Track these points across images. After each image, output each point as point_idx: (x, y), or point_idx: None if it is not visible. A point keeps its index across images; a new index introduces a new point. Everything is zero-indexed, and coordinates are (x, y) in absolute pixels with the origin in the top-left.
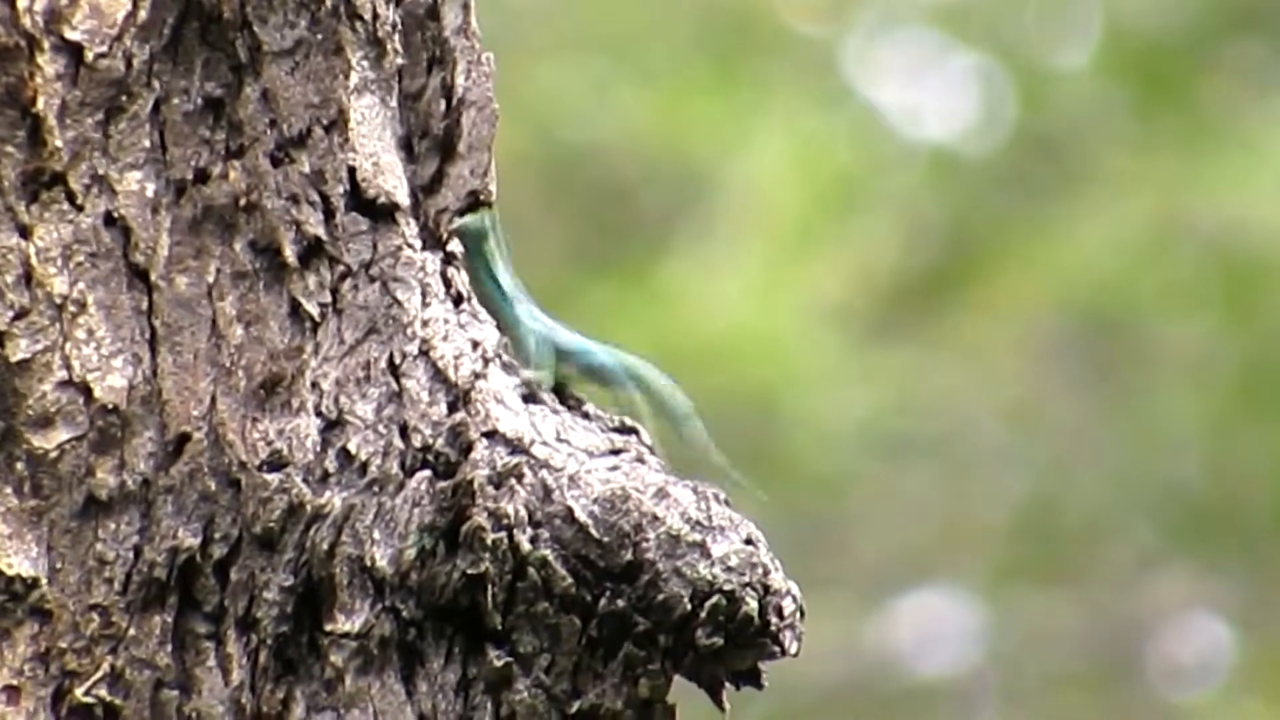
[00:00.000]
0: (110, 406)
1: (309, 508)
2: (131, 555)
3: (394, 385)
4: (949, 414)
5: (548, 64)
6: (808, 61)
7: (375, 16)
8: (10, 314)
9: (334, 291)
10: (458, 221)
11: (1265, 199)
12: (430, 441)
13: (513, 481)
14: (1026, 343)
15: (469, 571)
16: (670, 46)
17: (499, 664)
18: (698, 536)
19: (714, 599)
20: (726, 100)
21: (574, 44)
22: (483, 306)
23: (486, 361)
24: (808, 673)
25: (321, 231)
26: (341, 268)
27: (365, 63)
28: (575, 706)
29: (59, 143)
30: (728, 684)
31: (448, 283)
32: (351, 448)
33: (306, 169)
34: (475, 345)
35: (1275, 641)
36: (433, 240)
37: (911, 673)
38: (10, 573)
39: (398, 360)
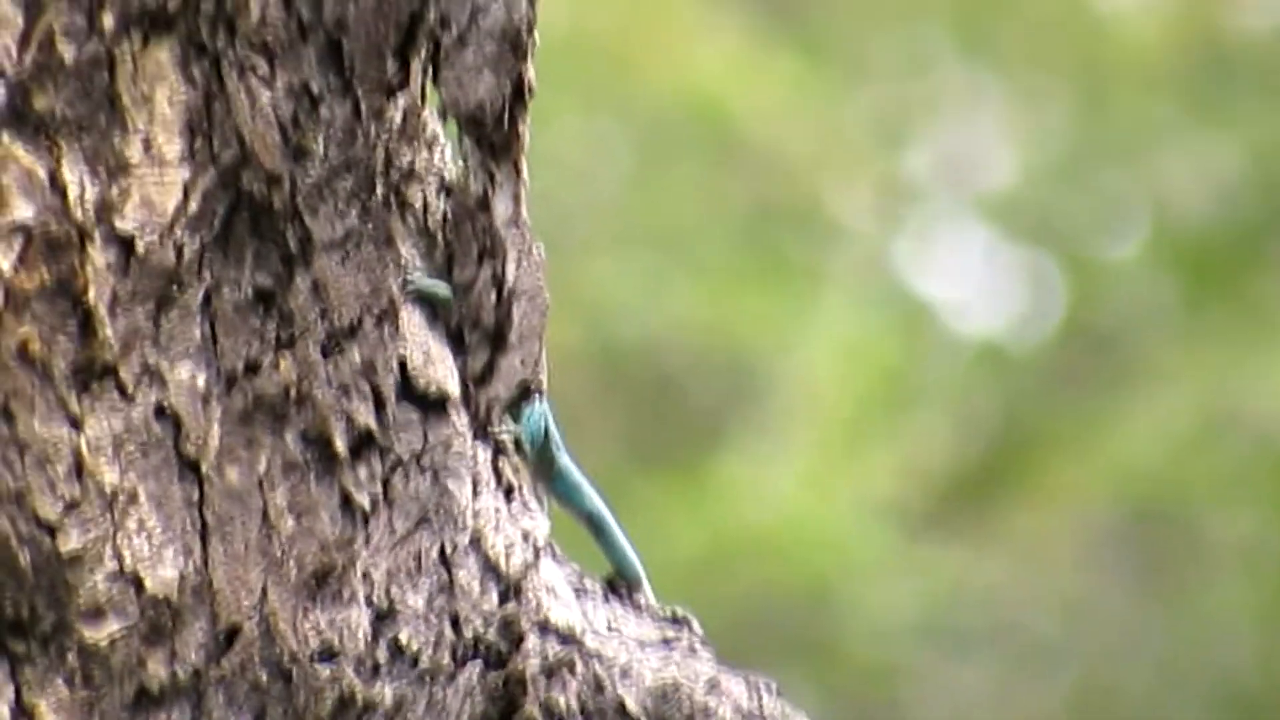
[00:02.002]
0: (161, 598)
1: (360, 699)
2: None
3: (445, 576)
4: (1001, 607)
5: (600, 258)
6: (858, 255)
7: (426, 207)
8: (61, 505)
9: (385, 482)
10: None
11: None
12: (482, 632)
13: (565, 673)
14: (1078, 535)
15: None
16: (721, 241)
17: None
18: None
19: None
20: (778, 294)
21: (626, 238)
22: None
23: (538, 552)
24: None
25: (372, 422)
26: (392, 458)
27: (416, 253)
28: None
29: (109, 333)
30: None
31: (499, 473)
32: (403, 638)
33: (357, 360)
34: (526, 536)
35: None
36: (483, 431)
37: None
38: None
39: (449, 551)
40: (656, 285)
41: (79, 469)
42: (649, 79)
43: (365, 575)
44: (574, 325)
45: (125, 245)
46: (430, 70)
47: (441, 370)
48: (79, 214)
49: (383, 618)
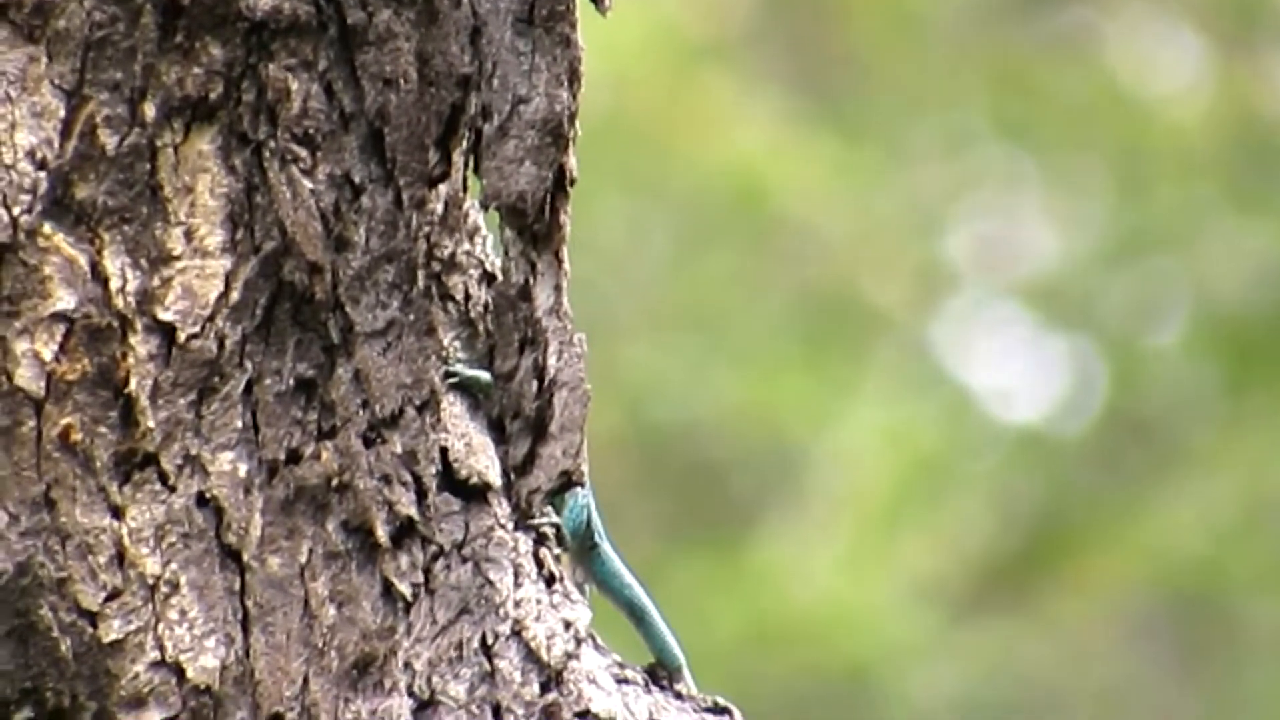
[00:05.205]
0: (203, 687)
1: None
2: None
3: (486, 665)
4: (1040, 691)
5: (641, 345)
6: (899, 342)
7: (468, 297)
8: (103, 595)
9: (426, 571)
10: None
11: None
12: None
13: None
14: (1117, 620)
15: None
16: (761, 325)
17: None
18: None
19: None
20: (818, 380)
21: (665, 323)
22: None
23: (579, 641)
24: None
25: (414, 512)
26: (434, 548)
27: (457, 343)
28: None
29: (151, 423)
30: None
31: (540, 562)
32: None
33: (399, 449)
34: (568, 625)
35: None
36: (525, 520)
37: None
38: None
39: (490, 640)
40: (696, 370)
41: (120, 558)
42: (688, 162)
43: (407, 664)
44: (614, 409)
45: (167, 335)
46: (472, 161)
47: (483, 460)
48: (120, 304)
49: (424, 707)
